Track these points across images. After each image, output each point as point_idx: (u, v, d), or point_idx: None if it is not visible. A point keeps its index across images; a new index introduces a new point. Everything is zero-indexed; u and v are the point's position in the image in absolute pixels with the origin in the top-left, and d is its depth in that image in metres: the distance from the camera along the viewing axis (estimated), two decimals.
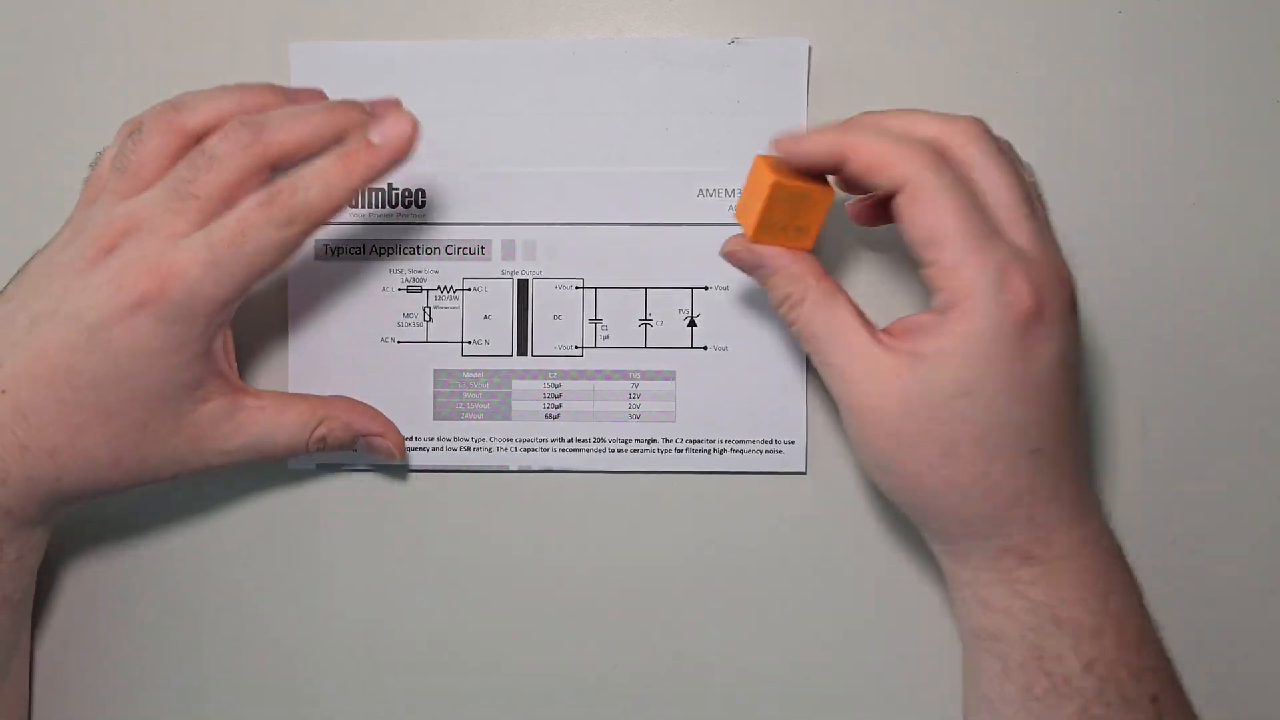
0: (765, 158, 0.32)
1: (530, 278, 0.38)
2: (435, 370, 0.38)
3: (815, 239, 0.33)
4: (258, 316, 0.38)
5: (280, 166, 0.32)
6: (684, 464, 0.38)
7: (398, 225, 0.38)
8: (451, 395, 0.38)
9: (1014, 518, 0.31)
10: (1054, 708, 0.31)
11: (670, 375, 0.38)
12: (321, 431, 0.35)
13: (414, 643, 0.38)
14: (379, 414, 0.37)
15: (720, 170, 0.38)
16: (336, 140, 0.33)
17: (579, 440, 0.38)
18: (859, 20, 0.38)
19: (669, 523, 0.38)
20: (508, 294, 0.38)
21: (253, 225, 0.31)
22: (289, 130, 0.32)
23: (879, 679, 0.38)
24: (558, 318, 0.38)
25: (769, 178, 0.31)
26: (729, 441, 0.38)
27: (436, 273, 0.38)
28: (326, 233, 0.38)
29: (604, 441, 0.38)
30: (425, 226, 0.38)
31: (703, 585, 0.38)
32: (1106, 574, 0.32)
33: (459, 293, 0.38)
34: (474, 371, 0.38)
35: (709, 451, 0.38)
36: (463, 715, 0.38)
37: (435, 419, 0.38)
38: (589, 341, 0.38)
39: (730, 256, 0.33)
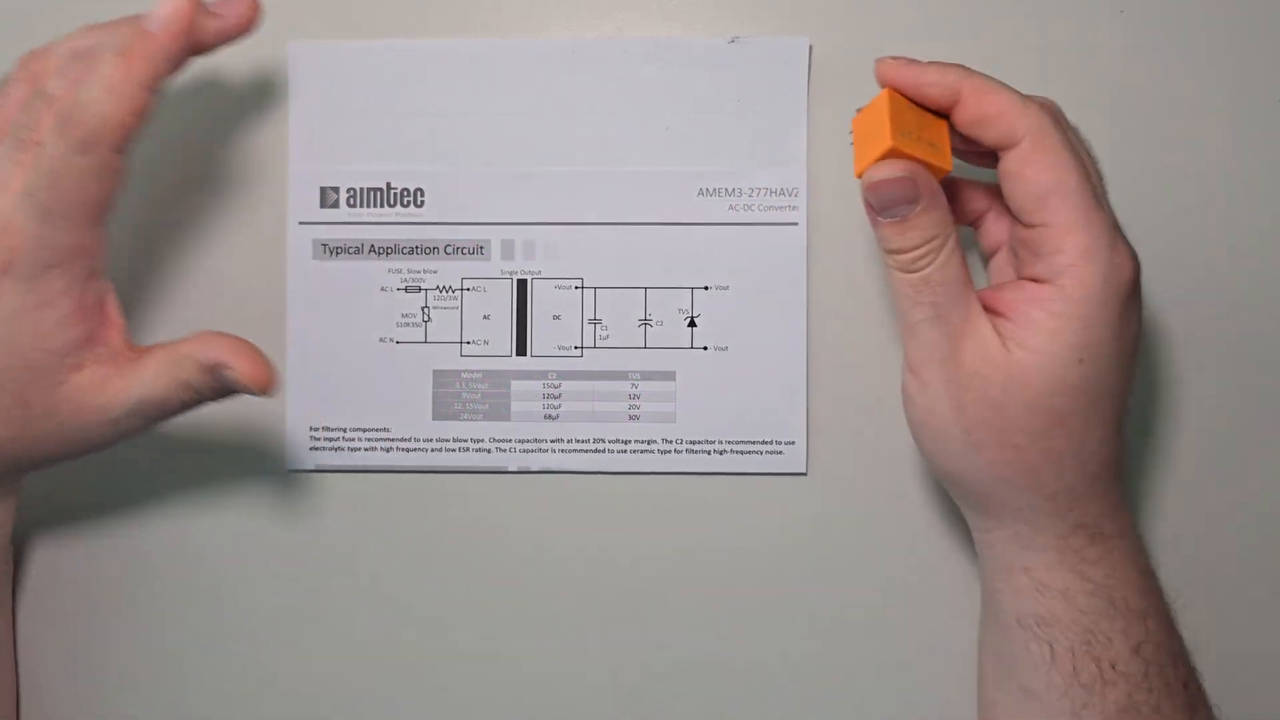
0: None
1: (529, 278, 0.38)
2: (434, 370, 0.38)
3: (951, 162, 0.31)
4: (255, 316, 0.38)
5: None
6: (684, 465, 0.38)
7: (396, 225, 0.38)
8: (450, 396, 0.38)
9: (1094, 492, 0.31)
10: (1099, 694, 0.31)
11: (670, 376, 0.38)
12: (184, 378, 0.31)
13: (413, 644, 0.38)
14: (231, 341, 0.32)
15: (720, 170, 0.38)
16: (163, 71, 0.31)
17: (578, 441, 0.38)
18: (859, 19, 0.38)
19: (669, 524, 0.38)
20: (507, 294, 0.38)
21: (59, 159, 0.30)
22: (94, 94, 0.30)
23: (879, 679, 0.38)
24: (557, 318, 0.38)
25: (883, 93, 0.30)
26: (729, 442, 0.38)
27: (435, 273, 0.38)
28: (325, 233, 0.38)
29: (603, 442, 0.38)
30: (424, 226, 0.38)
31: (703, 586, 0.38)
32: (1145, 557, 0.32)
33: (458, 293, 0.38)
34: (473, 372, 0.38)
35: (709, 452, 0.38)
36: (463, 715, 0.38)
37: (434, 419, 0.38)
38: (588, 342, 0.38)
39: (886, 184, 0.30)
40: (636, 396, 0.38)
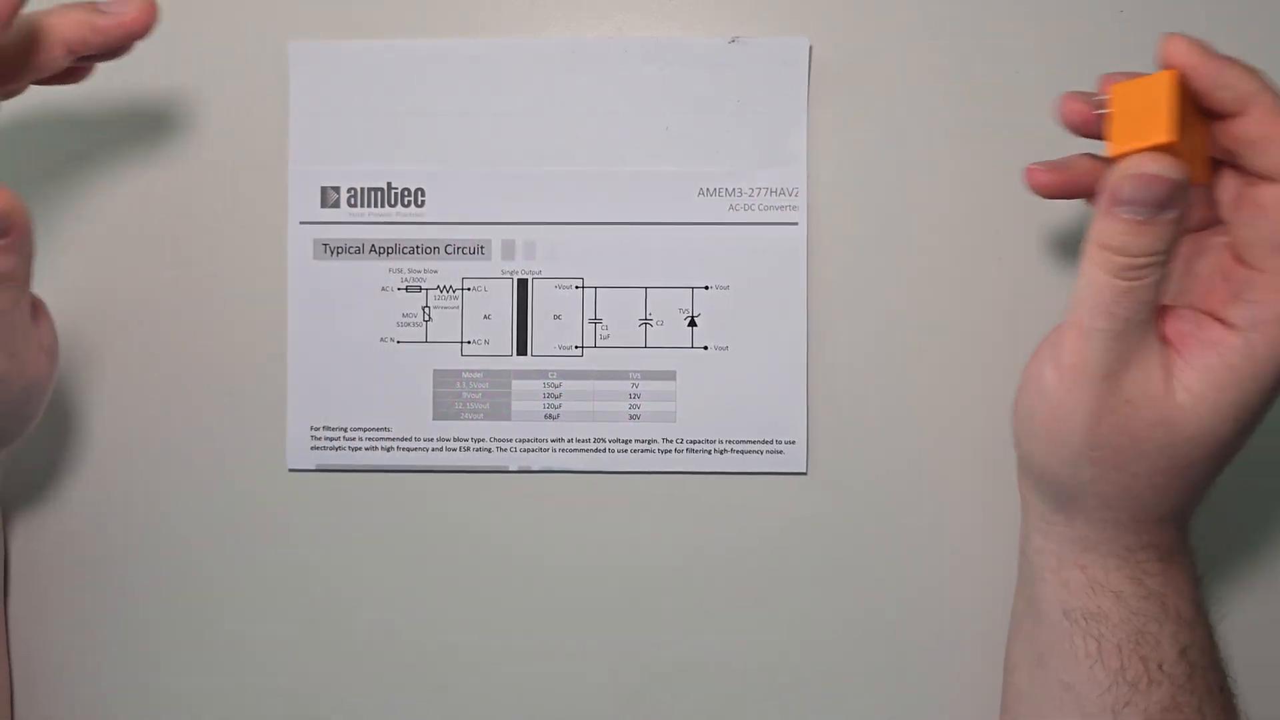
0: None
1: (530, 277, 0.38)
2: (435, 370, 0.38)
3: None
4: (257, 316, 0.38)
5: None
6: (684, 464, 0.38)
7: (397, 225, 0.38)
8: (451, 395, 0.38)
9: (1177, 521, 0.31)
10: (1143, 693, 0.31)
11: (670, 375, 0.38)
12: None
13: (413, 644, 0.38)
14: None
15: (720, 170, 0.38)
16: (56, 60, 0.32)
17: (579, 440, 0.38)
18: (860, 20, 0.38)
19: (669, 523, 0.38)
20: (507, 294, 0.38)
21: None
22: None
23: (880, 679, 0.38)
24: (557, 317, 0.38)
25: (1167, 75, 0.27)
26: (729, 442, 0.38)
27: (436, 272, 0.38)
28: (325, 232, 0.38)
29: (604, 442, 0.38)
30: (424, 226, 0.38)
31: (703, 586, 0.38)
32: (1194, 569, 0.32)
33: (458, 292, 0.38)
34: (473, 371, 0.38)
35: (709, 452, 0.38)
36: (462, 716, 0.38)
37: (435, 419, 0.38)
38: (589, 341, 0.38)
39: (1149, 181, 0.27)
40: (637, 396, 0.38)
